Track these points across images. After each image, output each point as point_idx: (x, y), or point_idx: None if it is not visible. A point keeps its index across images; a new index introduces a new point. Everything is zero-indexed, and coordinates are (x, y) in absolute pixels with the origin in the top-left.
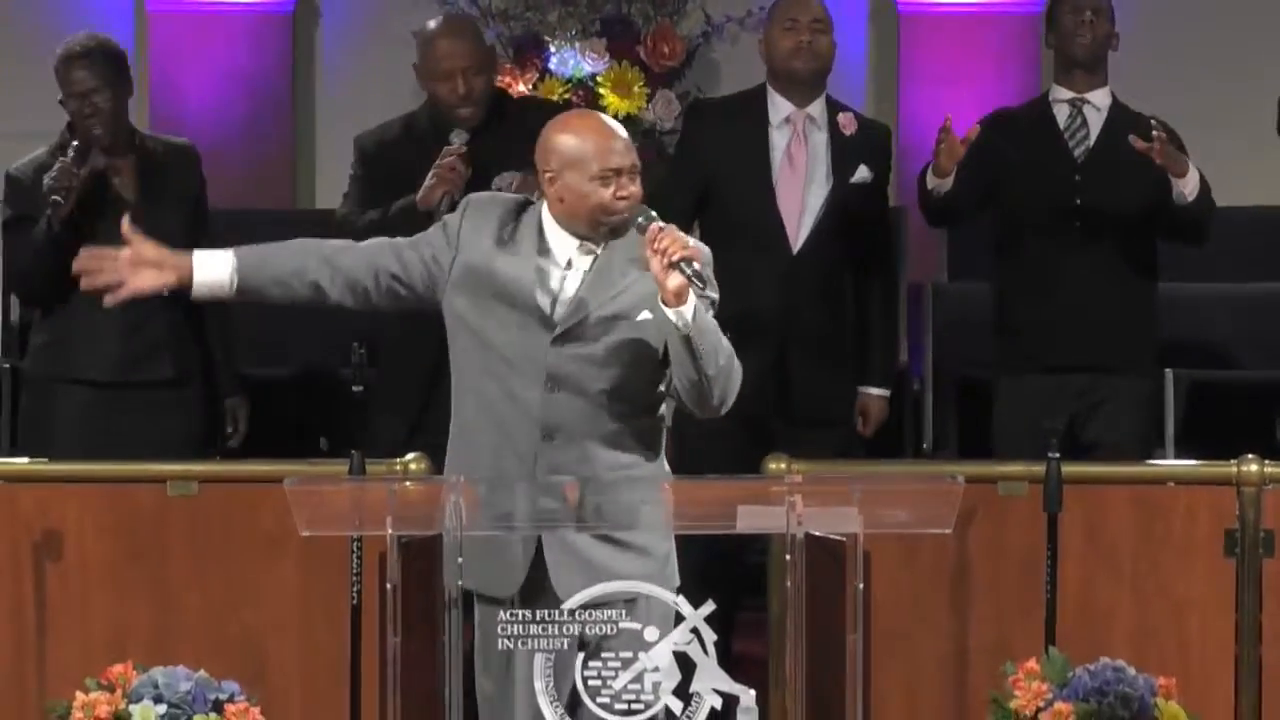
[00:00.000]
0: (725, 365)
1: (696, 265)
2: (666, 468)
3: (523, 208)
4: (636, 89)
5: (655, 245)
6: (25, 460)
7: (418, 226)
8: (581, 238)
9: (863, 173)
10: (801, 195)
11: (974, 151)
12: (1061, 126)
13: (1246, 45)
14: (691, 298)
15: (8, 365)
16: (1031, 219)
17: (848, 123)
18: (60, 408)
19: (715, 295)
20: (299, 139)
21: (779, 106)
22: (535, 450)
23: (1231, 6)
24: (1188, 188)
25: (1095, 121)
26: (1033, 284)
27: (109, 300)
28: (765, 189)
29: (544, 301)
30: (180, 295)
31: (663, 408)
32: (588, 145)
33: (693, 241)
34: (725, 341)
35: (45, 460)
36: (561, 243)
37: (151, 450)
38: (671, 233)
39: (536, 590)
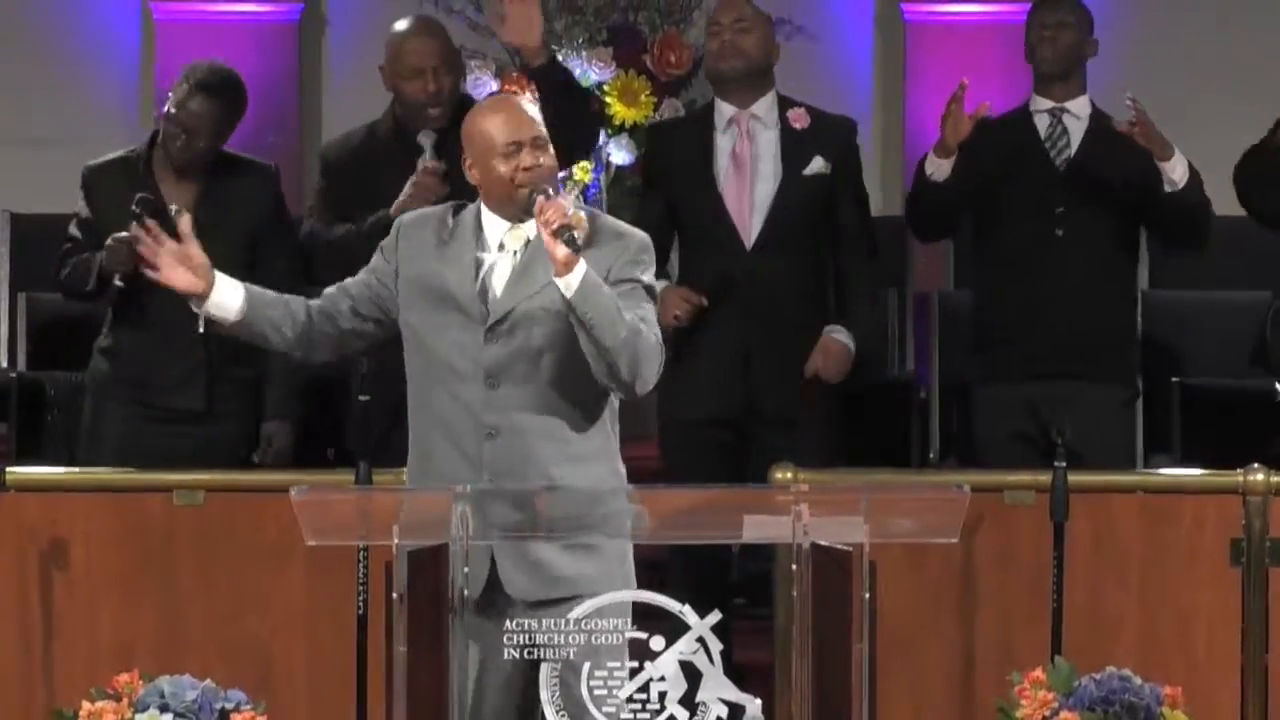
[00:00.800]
0: (628, 339)
1: (576, 233)
2: (619, 463)
3: (460, 208)
4: (643, 98)
5: (540, 216)
6: (32, 469)
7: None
8: (510, 220)
9: (817, 164)
10: (750, 193)
11: (964, 153)
12: (1042, 135)
13: (1229, 57)
14: (581, 267)
15: (14, 375)
16: (1014, 227)
17: (798, 118)
18: (109, 423)
19: (650, 281)
20: (305, 147)
21: (723, 111)
22: (480, 449)
23: (1216, 19)
24: (1176, 172)
25: (1076, 130)
26: (1014, 292)
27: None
28: (711, 191)
29: (479, 296)
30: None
31: (612, 397)
32: (491, 125)
33: (574, 209)
34: (632, 317)
35: (51, 469)
36: (495, 230)
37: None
38: (555, 203)
39: (489, 592)
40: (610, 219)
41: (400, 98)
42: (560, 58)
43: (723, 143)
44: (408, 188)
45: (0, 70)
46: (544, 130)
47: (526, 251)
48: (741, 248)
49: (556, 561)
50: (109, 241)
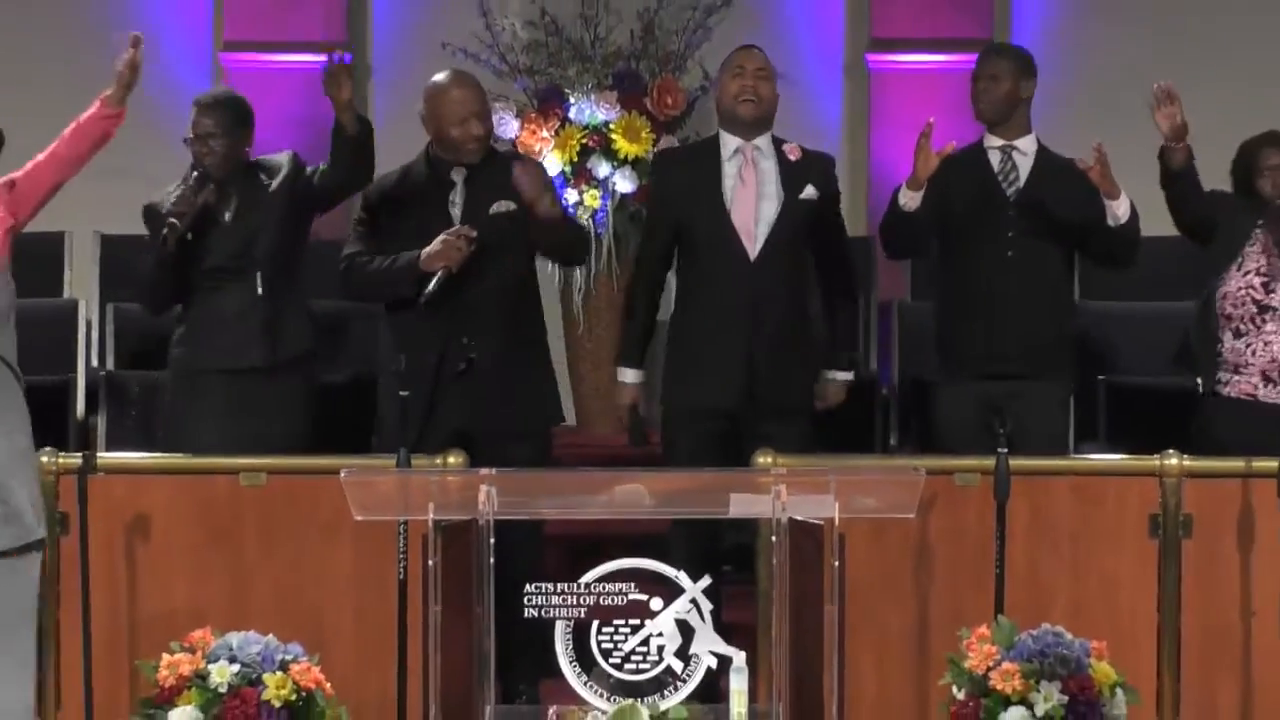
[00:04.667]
0: None
1: None
2: None
3: None
4: (644, 134)
5: None
6: (119, 455)
7: (415, 279)
8: None
9: (809, 191)
10: (755, 210)
11: (931, 186)
12: (995, 170)
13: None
14: None
15: (104, 374)
16: (971, 249)
17: (792, 151)
18: (191, 393)
19: None
20: None
21: (729, 142)
22: None
23: (1144, 64)
24: (1121, 209)
25: (1024, 165)
26: (970, 304)
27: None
28: (720, 208)
29: None
30: (277, 288)
31: None
32: None
33: None
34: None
35: (134, 454)
36: None
37: (262, 435)
38: None
39: None
40: None
41: (442, 140)
42: (572, 99)
43: (729, 169)
44: (437, 243)
45: (76, 108)
46: None
47: None
48: (746, 259)
49: None
50: (166, 204)
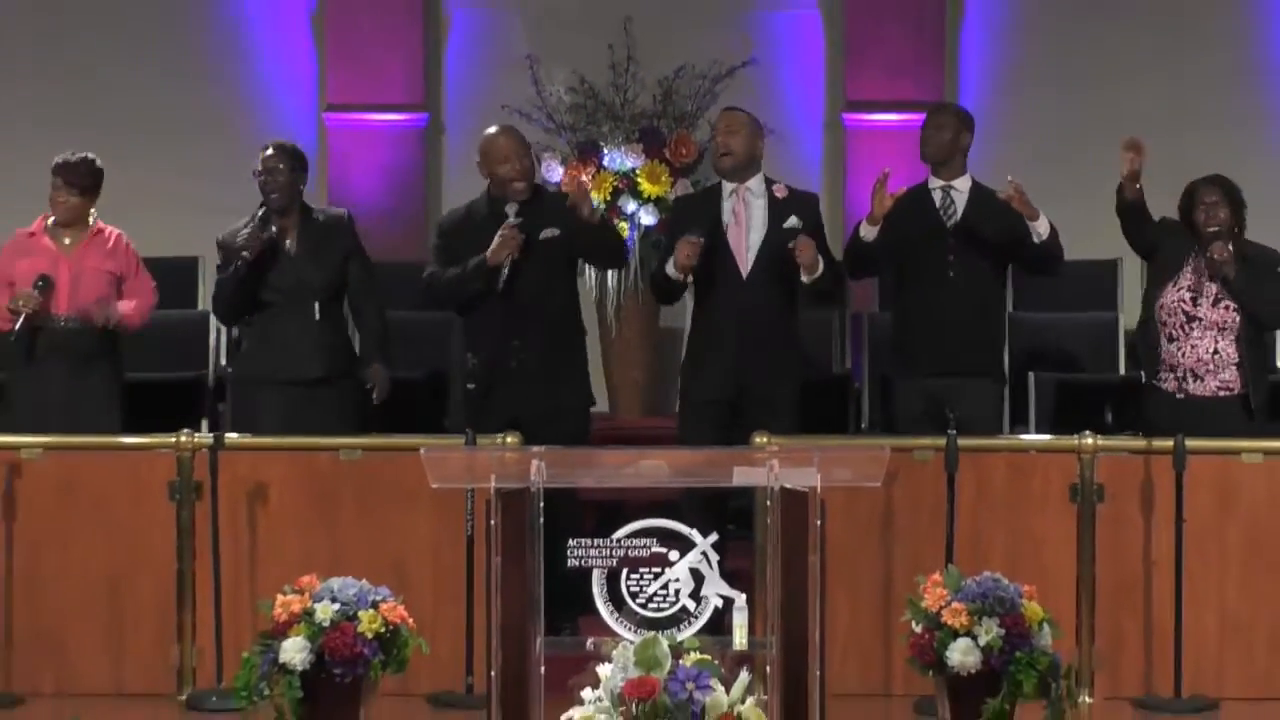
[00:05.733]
0: None
1: None
2: None
3: None
4: (664, 178)
5: None
6: (242, 436)
7: (487, 277)
8: None
9: (792, 220)
10: (745, 239)
11: (886, 221)
12: (937, 205)
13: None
14: None
15: (230, 370)
16: (918, 269)
17: (779, 190)
18: (254, 402)
19: None
20: (428, 214)
21: (726, 186)
22: None
23: (1066, 121)
24: (1042, 228)
25: (960, 201)
26: (920, 315)
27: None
28: (720, 236)
29: None
30: (330, 312)
31: None
32: None
33: None
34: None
35: (256, 435)
36: None
37: (311, 427)
38: None
39: None
40: None
41: (493, 178)
42: (606, 150)
43: (727, 206)
44: (496, 239)
45: (208, 156)
46: None
47: None
48: (739, 278)
49: None
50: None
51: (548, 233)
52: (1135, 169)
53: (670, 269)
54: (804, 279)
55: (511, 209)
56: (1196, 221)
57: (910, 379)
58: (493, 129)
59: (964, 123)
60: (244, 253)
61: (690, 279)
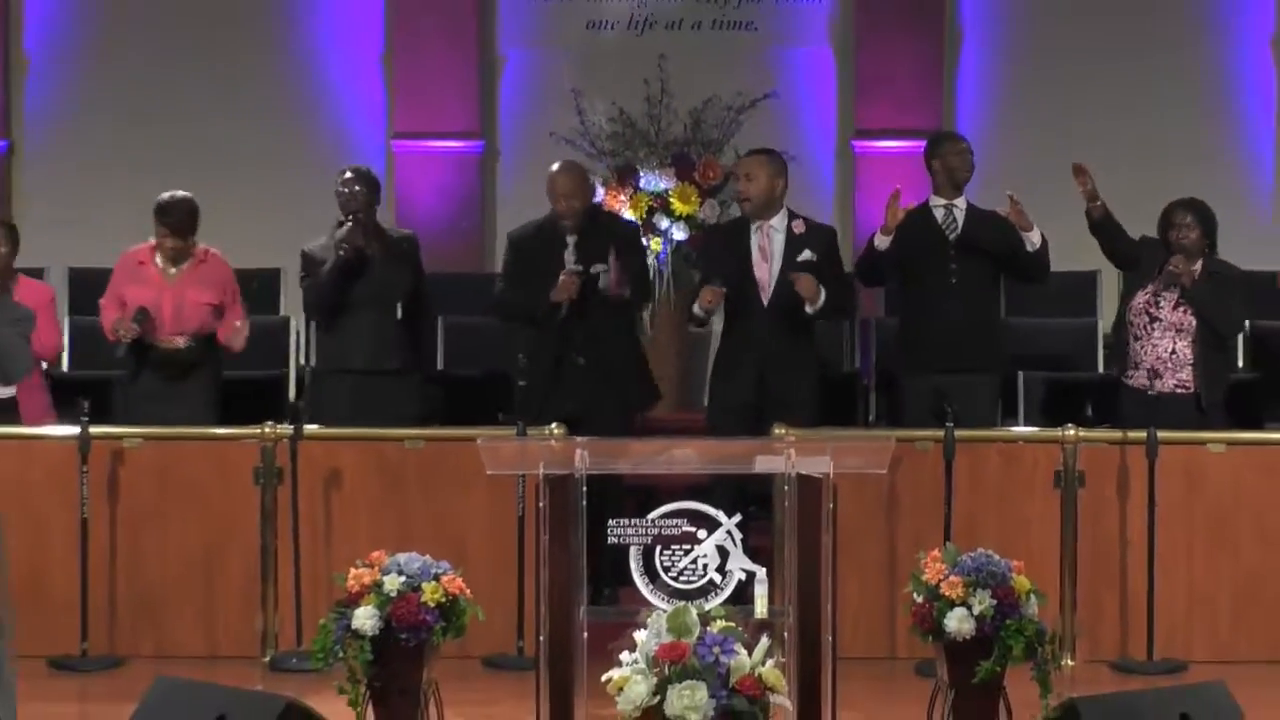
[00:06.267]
0: None
1: None
2: None
3: None
4: (693, 198)
5: None
6: (319, 427)
7: (549, 313)
8: None
9: (806, 254)
10: (768, 270)
11: (897, 233)
12: (940, 221)
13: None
14: None
15: (309, 367)
16: (924, 277)
17: (799, 226)
18: (333, 388)
19: None
20: (484, 229)
21: (752, 223)
22: None
23: (1050, 145)
24: (1035, 238)
25: (960, 217)
26: (925, 317)
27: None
28: (747, 269)
29: None
30: (407, 311)
31: None
32: None
33: None
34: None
35: (330, 426)
36: None
37: (385, 415)
38: None
39: None
40: None
41: (554, 208)
42: (642, 174)
43: (752, 241)
44: (559, 283)
45: (290, 179)
46: None
47: None
48: (761, 305)
49: None
50: (336, 237)
51: (598, 268)
52: (1088, 189)
53: (696, 309)
54: (808, 310)
55: (571, 239)
56: (1171, 240)
57: (917, 375)
58: (556, 165)
59: (971, 151)
60: (344, 245)
61: (710, 313)
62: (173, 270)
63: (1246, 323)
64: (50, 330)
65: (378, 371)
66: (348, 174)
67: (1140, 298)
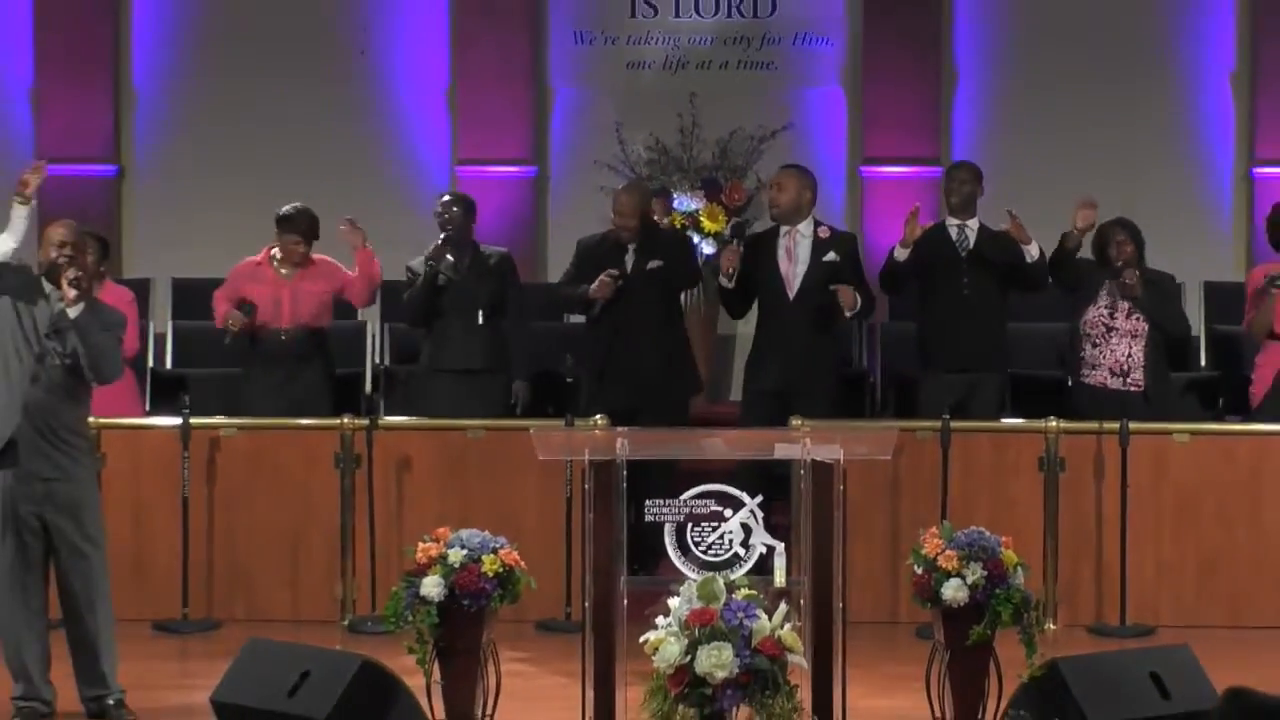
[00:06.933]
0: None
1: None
2: None
3: None
4: (720, 218)
5: None
6: (391, 417)
7: (587, 305)
8: None
9: (830, 256)
10: (793, 270)
11: (915, 247)
12: (953, 239)
13: (1043, 185)
14: None
15: (384, 367)
16: (940, 288)
17: (824, 232)
18: (433, 385)
19: None
20: (537, 246)
21: (782, 229)
22: None
23: (1040, 167)
24: (1034, 250)
25: (971, 235)
26: (941, 324)
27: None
28: (775, 268)
29: None
30: (491, 321)
31: None
32: None
33: None
34: None
35: (403, 416)
36: None
37: (472, 410)
38: None
39: None
40: None
41: (613, 221)
42: (675, 195)
43: (780, 244)
44: (597, 281)
45: (368, 199)
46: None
47: None
48: (787, 299)
49: None
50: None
51: (653, 264)
52: (1091, 223)
53: (722, 279)
54: (846, 314)
55: (631, 244)
56: (1109, 255)
57: (934, 374)
58: (621, 186)
59: (978, 177)
60: (431, 262)
61: (734, 284)
62: (285, 271)
63: (1205, 326)
64: (133, 332)
65: (466, 370)
66: (446, 197)
67: (1093, 311)
